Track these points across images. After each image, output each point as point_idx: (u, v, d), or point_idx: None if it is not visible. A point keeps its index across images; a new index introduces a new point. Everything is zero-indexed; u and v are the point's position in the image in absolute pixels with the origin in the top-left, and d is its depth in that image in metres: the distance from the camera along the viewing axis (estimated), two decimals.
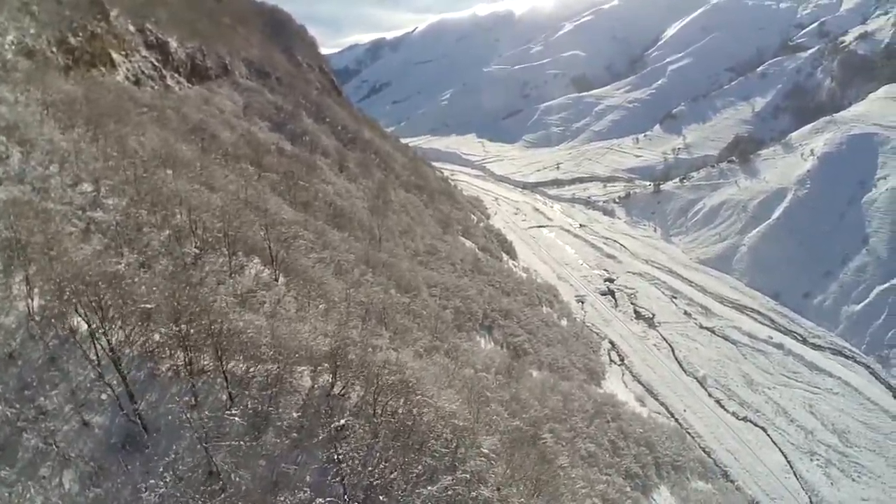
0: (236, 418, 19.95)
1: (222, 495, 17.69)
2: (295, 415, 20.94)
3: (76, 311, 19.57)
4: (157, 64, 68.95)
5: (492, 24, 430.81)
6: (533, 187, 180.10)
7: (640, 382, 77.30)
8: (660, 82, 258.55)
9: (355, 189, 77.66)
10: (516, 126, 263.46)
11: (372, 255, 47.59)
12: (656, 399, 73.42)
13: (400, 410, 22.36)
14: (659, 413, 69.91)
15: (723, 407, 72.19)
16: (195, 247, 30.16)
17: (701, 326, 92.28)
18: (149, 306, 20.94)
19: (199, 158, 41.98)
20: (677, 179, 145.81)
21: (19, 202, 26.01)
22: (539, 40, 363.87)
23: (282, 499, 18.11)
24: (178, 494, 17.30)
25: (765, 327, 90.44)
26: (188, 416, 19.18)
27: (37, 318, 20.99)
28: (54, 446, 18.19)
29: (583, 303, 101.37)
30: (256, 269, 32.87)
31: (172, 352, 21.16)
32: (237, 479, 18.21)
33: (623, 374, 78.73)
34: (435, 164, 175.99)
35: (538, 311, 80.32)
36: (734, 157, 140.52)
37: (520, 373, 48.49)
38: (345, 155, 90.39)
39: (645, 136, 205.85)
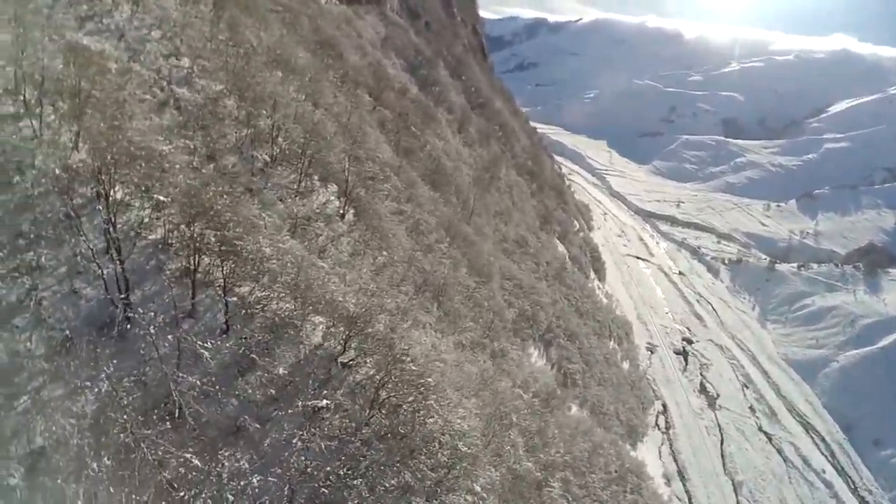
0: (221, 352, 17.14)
1: (167, 423, 14.93)
2: (281, 371, 17.88)
3: (102, 176, 17.11)
4: None
5: (657, 39, 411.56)
6: (646, 216, 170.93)
7: (675, 460, 71.95)
8: (810, 156, 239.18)
9: (467, 154, 74.26)
10: (651, 148, 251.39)
11: (456, 226, 44.00)
12: (684, 484, 68.20)
13: (403, 407, 18.93)
14: (679, 500, 64.83)
15: None
16: (268, 154, 27.63)
17: (760, 428, 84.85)
18: (162, 198, 18.32)
19: (313, 71, 39.42)
20: (795, 265, 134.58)
21: (106, 55, 24.40)
22: (700, 70, 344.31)
23: (228, 453, 15.26)
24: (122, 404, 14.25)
25: (822, 458, 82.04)
26: (177, 328, 16.67)
27: (73, 172, 18.87)
28: (34, 301, 16.10)
29: (652, 353, 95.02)
30: (326, 198, 30.11)
31: (190, 254, 18.50)
32: (192, 411, 15.44)
33: (662, 444, 73.32)
34: (556, 157, 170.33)
35: (604, 344, 75.00)
36: (860, 265, 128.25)
37: (559, 404, 44.02)
38: (469, 117, 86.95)
39: (777, 206, 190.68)
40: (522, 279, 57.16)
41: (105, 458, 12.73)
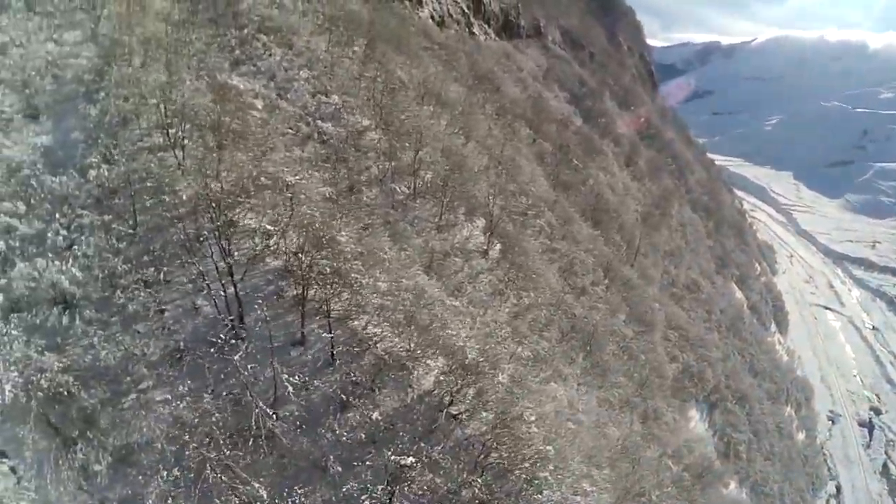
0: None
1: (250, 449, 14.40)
2: (376, 415, 16.33)
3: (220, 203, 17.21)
4: (466, 10, 67.65)
5: (840, 53, 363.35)
6: (837, 258, 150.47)
7: None
8: None
9: (635, 188, 69.72)
10: (841, 178, 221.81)
11: (616, 267, 40.34)
12: None
13: (515, 474, 16.44)
14: None
15: None
16: (409, 187, 26.67)
17: None
18: (269, 226, 17.84)
19: (466, 104, 38.46)
20: None
21: (254, 94, 25.29)
22: (891, 86, 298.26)
23: (303, 491, 14.42)
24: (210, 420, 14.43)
25: None
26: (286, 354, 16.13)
27: (207, 199, 19.35)
28: (155, 311, 17.04)
29: (833, 423, 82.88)
30: (470, 233, 28.48)
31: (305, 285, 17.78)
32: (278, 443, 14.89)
33: None
34: (737, 192, 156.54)
35: (779, 410, 65.94)
36: None
37: (713, 480, 38.33)
38: (637, 149, 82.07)
39: None
40: (690, 329, 51.49)
41: (175, 470, 13.49)
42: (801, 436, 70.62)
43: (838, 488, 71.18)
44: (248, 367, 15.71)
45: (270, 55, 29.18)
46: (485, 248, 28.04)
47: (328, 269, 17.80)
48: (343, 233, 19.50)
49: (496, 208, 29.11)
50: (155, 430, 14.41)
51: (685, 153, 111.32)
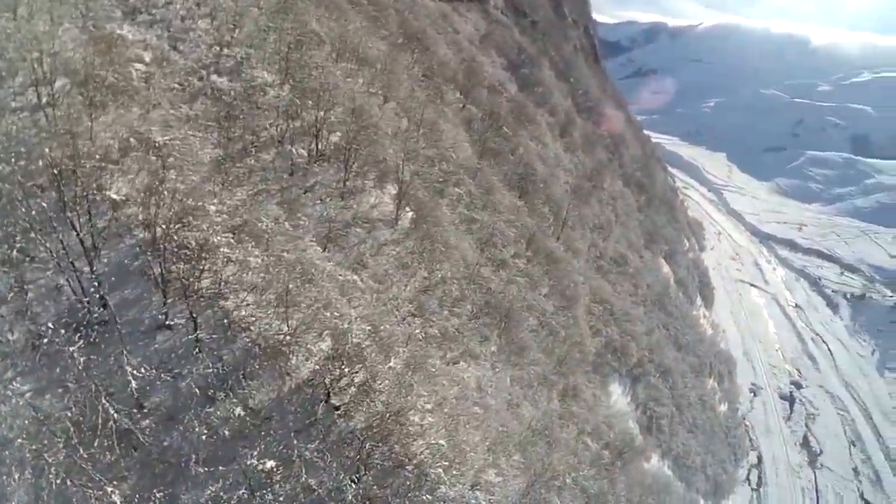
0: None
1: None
2: (238, 411, 14.40)
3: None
4: None
5: (783, 45, 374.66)
6: (764, 238, 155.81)
7: None
8: None
9: (568, 160, 68.58)
10: (774, 163, 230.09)
11: (540, 240, 38.85)
12: None
13: (403, 472, 14.84)
14: None
15: None
16: (309, 150, 24.19)
17: (862, 496, 74.48)
18: (114, 196, 15.44)
19: (388, 62, 35.83)
20: None
21: (143, 45, 22.38)
22: (829, 80, 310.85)
23: (163, 495, 12.93)
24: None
25: None
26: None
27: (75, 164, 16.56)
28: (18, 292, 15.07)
29: (755, 395, 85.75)
30: (379, 200, 26.24)
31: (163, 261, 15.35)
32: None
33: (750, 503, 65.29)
34: (671, 169, 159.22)
35: (702, 383, 67.19)
36: None
37: (634, 456, 38.03)
38: (573, 121, 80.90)
39: None
40: (615, 303, 51.02)
41: (26, 472, 12.27)
42: (723, 408, 72.35)
43: (759, 458, 73.53)
44: (112, 355, 14.05)
45: (170, 3, 25.87)
46: (394, 217, 25.89)
47: (193, 243, 15.58)
48: (216, 201, 17.06)
49: (409, 174, 26.92)
50: (13, 426, 12.80)
51: (623, 129, 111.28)
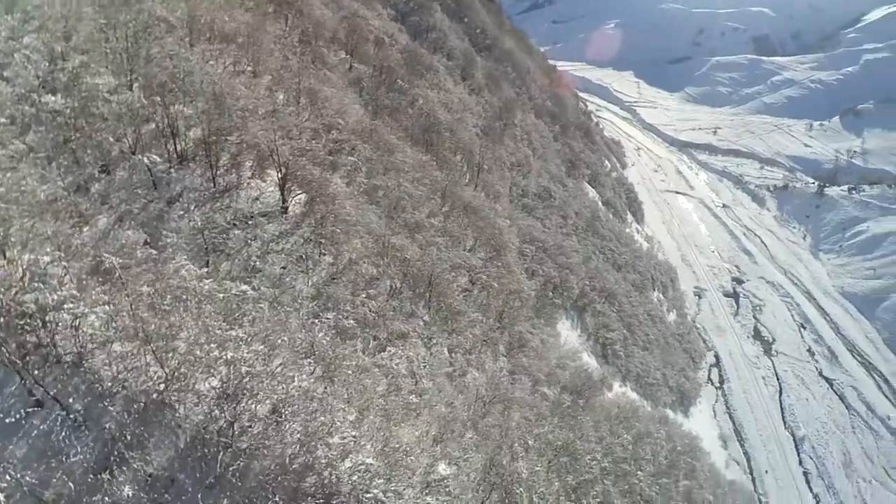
0: None
1: None
2: (127, 492, 11.79)
3: None
4: None
5: None
6: (682, 146, 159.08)
7: (731, 418, 67.10)
8: (849, 69, 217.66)
9: (473, 103, 66.06)
10: (681, 74, 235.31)
11: (455, 192, 36.50)
12: (741, 445, 63.46)
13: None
14: (738, 463, 59.76)
15: (809, 484, 61.33)
16: (164, 155, 20.87)
17: (821, 374, 78.36)
18: None
19: (252, 33, 32.15)
20: (845, 187, 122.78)
21: None
22: None
23: None
24: None
25: (887, 402, 75.09)
26: None
27: None
28: None
29: (700, 297, 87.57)
30: (262, 191, 23.19)
31: None
32: None
33: (716, 401, 68.01)
34: (581, 94, 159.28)
35: (647, 298, 67.60)
36: None
37: (594, 392, 37.13)
38: (473, 61, 78.11)
39: (820, 124, 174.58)
40: (547, 239, 49.75)
41: None
42: (672, 317, 73.33)
43: (717, 357, 75.48)
44: None
45: None
46: (281, 206, 22.97)
47: (33, 307, 12.68)
48: (50, 248, 13.99)
49: (288, 151, 23.87)
50: None
51: (526, 62, 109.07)
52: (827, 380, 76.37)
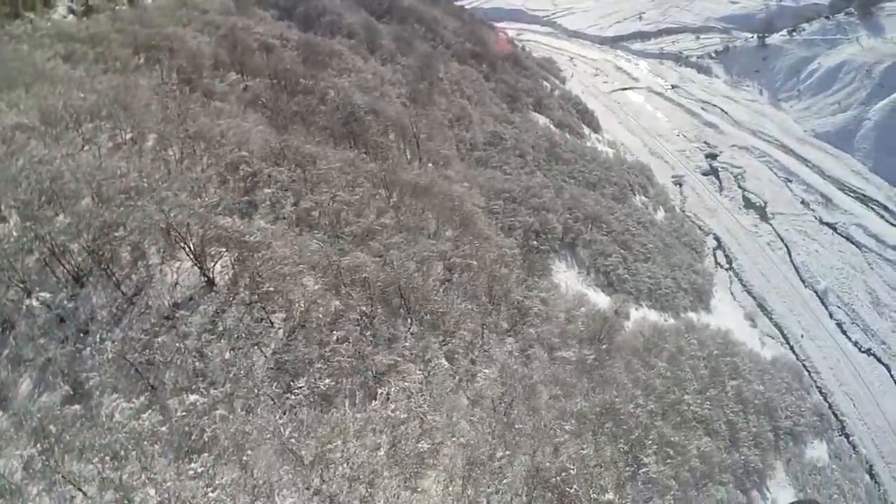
0: None
1: None
2: None
3: None
4: None
5: None
6: (612, 42, 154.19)
7: (751, 294, 63.17)
8: None
9: (390, 72, 61.91)
10: None
11: (397, 178, 32.88)
12: (769, 318, 59.67)
13: None
14: (772, 337, 56.65)
15: (845, 333, 58.06)
16: (67, 275, 17.56)
17: (821, 221, 74.66)
18: None
19: (122, 95, 28.36)
20: (785, 32, 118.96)
21: None
22: None
23: None
24: None
25: (893, 228, 72.13)
26: None
27: None
28: None
29: (681, 185, 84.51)
30: (177, 277, 19.74)
31: None
32: None
33: (731, 283, 64.76)
34: (499, 24, 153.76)
35: (631, 206, 64.65)
36: (852, 9, 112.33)
37: (613, 331, 34.36)
38: (376, 31, 73.72)
39: None
40: (512, 187, 46.34)
41: None
42: (660, 214, 70.64)
43: (717, 239, 72.67)
44: None
45: None
46: (207, 279, 19.55)
47: None
48: None
49: (193, 216, 20.36)
50: None
51: (430, 11, 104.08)
52: (829, 225, 73.90)
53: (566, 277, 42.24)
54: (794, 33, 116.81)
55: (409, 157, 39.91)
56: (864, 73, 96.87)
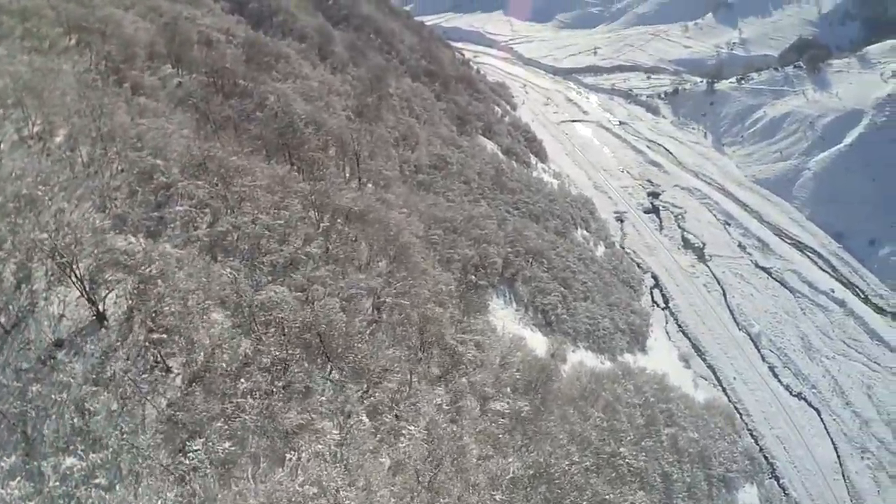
0: None
1: None
2: None
3: None
4: None
5: None
6: (566, 74, 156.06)
7: (686, 335, 64.39)
8: None
9: (339, 82, 59.20)
10: (548, 3, 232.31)
11: (332, 201, 30.11)
12: (703, 359, 60.93)
13: None
14: (705, 378, 57.71)
15: (777, 376, 60.10)
16: None
17: (757, 265, 77.15)
18: None
19: (40, 80, 24.86)
20: (734, 79, 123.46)
21: None
22: None
23: None
24: None
25: (825, 275, 75.28)
26: None
27: None
28: None
29: (622, 221, 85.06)
30: (66, 300, 16.71)
31: None
32: None
33: (667, 323, 65.72)
34: (456, 44, 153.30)
35: (572, 240, 64.03)
36: (801, 63, 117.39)
37: (549, 378, 32.69)
38: (329, 37, 70.95)
39: (695, 24, 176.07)
40: (454, 216, 44.37)
41: None
42: (601, 250, 70.47)
43: (655, 278, 73.17)
44: None
45: None
46: (99, 312, 16.52)
47: None
48: None
49: (88, 241, 17.29)
50: None
51: (388, 23, 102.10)
52: (764, 270, 75.91)
53: (504, 315, 40.50)
54: (743, 81, 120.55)
55: (347, 176, 37.35)
56: (808, 125, 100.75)
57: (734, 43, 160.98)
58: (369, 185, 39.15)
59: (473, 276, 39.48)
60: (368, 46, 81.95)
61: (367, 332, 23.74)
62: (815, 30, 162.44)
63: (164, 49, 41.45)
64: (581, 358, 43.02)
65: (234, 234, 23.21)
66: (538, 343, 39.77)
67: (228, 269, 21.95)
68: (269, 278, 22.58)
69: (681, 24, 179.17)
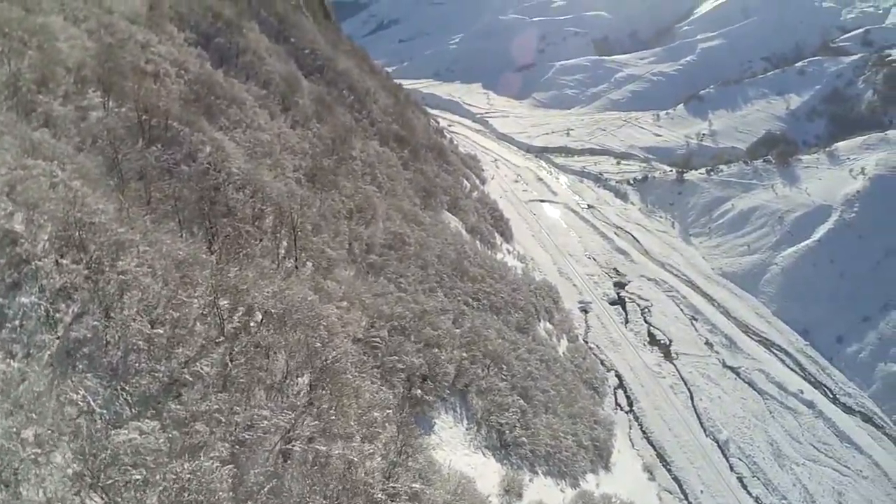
0: None
1: None
2: None
3: None
4: None
5: None
6: (538, 152, 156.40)
7: (650, 443, 60.42)
8: (688, 59, 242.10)
9: (297, 138, 53.81)
10: (527, 81, 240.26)
11: (246, 291, 23.71)
12: (668, 470, 56.63)
13: None
14: (670, 492, 53.31)
15: (746, 488, 56.63)
16: None
17: (724, 364, 75.11)
18: None
19: None
20: (703, 170, 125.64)
21: None
22: None
23: None
24: None
25: (794, 375, 74.07)
26: None
27: None
28: None
29: (587, 312, 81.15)
30: None
31: None
32: None
33: (630, 428, 61.35)
34: (432, 111, 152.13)
35: (535, 337, 58.82)
36: (770, 158, 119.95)
37: None
38: (297, 87, 66.02)
39: (667, 113, 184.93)
40: (404, 312, 38.23)
41: None
42: (563, 345, 65.93)
43: (619, 377, 69.32)
44: None
45: None
46: None
47: None
48: None
49: None
50: None
51: (365, 81, 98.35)
52: (732, 370, 73.76)
53: (452, 437, 34.24)
54: (712, 173, 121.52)
55: (282, 255, 31.20)
56: (776, 220, 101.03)
57: (704, 134, 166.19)
58: (308, 267, 33.06)
59: (419, 391, 33.27)
60: (339, 102, 77.47)
61: (264, 493, 17.15)
62: (783, 125, 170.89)
63: (97, 73, 35.32)
64: (538, 489, 36.89)
65: (97, 341, 16.71)
66: (490, 473, 33.62)
67: (82, 392, 15.43)
68: (133, 412, 16.03)
69: (653, 112, 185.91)
